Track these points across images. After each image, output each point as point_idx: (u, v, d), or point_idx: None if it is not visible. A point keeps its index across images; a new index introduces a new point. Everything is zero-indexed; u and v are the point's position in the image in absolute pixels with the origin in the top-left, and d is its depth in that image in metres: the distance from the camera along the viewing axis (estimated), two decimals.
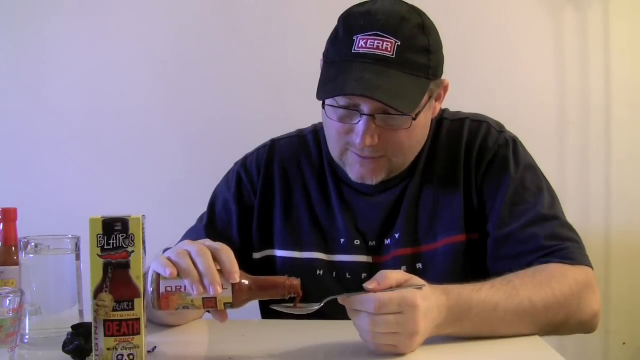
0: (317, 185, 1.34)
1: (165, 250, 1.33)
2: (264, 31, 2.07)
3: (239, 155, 1.42)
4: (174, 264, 0.93)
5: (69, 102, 2.12)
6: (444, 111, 1.33)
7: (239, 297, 0.94)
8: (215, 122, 2.08)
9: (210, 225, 1.35)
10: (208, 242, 0.99)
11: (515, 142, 1.28)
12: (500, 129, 1.30)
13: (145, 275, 0.95)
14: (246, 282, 0.95)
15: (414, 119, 1.16)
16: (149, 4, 2.10)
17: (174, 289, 0.93)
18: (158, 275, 0.93)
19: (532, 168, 1.27)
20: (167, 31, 2.09)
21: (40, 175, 2.11)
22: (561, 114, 2.05)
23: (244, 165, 1.39)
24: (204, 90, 2.09)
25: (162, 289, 0.93)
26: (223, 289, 0.92)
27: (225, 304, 0.94)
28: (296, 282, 0.96)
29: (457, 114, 1.34)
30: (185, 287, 0.92)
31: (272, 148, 1.39)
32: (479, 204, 1.25)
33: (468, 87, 1.96)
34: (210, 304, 0.93)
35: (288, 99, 2.04)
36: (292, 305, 0.99)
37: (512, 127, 1.33)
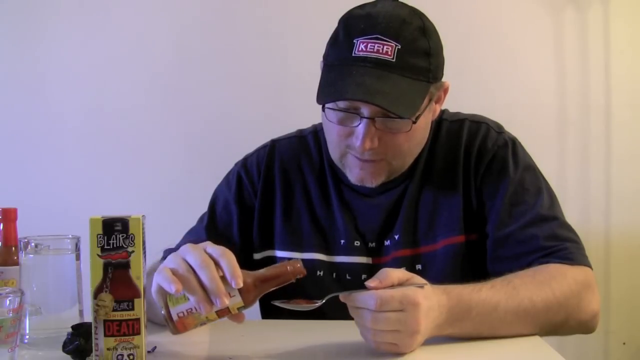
0: (317, 186, 1.33)
1: (165, 251, 1.33)
2: (264, 31, 2.07)
3: (239, 156, 1.42)
4: (178, 278, 0.92)
5: (69, 102, 2.12)
6: (443, 112, 1.33)
7: (248, 297, 0.94)
8: (215, 122, 2.08)
9: (211, 226, 1.35)
10: (209, 247, 0.97)
11: (514, 142, 1.28)
12: (500, 130, 1.29)
13: (149, 278, 0.96)
14: (251, 280, 0.95)
15: (414, 122, 1.16)
16: (149, 4, 2.10)
17: (185, 313, 0.94)
18: (166, 302, 0.94)
19: (531, 169, 1.27)
20: (167, 31, 2.09)
21: (40, 175, 2.11)
22: (561, 114, 2.05)
23: (244, 165, 1.39)
24: (204, 91, 2.09)
25: (174, 317, 0.94)
26: (231, 297, 0.92)
27: (238, 308, 0.94)
28: (298, 264, 0.96)
29: (456, 114, 1.33)
30: (194, 308, 0.93)
31: (273, 149, 1.39)
32: (478, 204, 1.25)
33: (468, 87, 1.96)
34: (223, 313, 0.94)
35: (288, 99, 2.04)
36: (294, 302, 0.99)
37: (512, 127, 1.33)
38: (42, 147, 2.12)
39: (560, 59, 2.04)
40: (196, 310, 0.92)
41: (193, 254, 0.95)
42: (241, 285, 0.92)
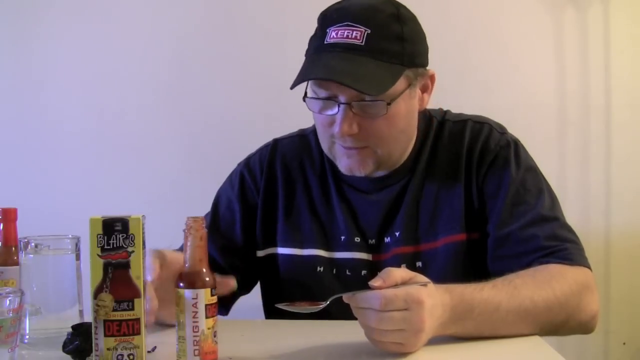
0: (318, 183, 1.34)
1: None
2: (263, 32, 2.07)
3: (239, 156, 1.43)
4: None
5: (70, 102, 2.12)
6: (446, 112, 1.34)
7: (200, 278, 0.93)
8: (215, 123, 2.08)
9: (213, 226, 1.36)
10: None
11: (516, 143, 1.29)
12: (502, 131, 1.30)
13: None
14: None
15: (389, 104, 1.17)
16: (149, 6, 2.10)
17: (197, 345, 0.91)
18: None
19: (533, 170, 1.27)
20: (167, 33, 2.09)
21: (40, 175, 2.11)
22: (561, 114, 2.05)
23: (247, 165, 1.40)
24: (205, 92, 2.09)
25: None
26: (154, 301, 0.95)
27: (212, 290, 0.93)
28: (191, 220, 0.95)
29: (459, 115, 1.34)
30: (186, 335, 0.92)
31: (275, 147, 1.39)
32: (479, 204, 1.25)
33: (468, 87, 1.96)
34: (212, 305, 0.93)
35: (288, 100, 2.02)
36: (297, 304, 0.99)
37: (512, 127, 1.33)
38: (42, 147, 2.12)
39: (560, 59, 2.04)
40: (190, 330, 0.91)
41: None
42: (155, 275, 0.99)
